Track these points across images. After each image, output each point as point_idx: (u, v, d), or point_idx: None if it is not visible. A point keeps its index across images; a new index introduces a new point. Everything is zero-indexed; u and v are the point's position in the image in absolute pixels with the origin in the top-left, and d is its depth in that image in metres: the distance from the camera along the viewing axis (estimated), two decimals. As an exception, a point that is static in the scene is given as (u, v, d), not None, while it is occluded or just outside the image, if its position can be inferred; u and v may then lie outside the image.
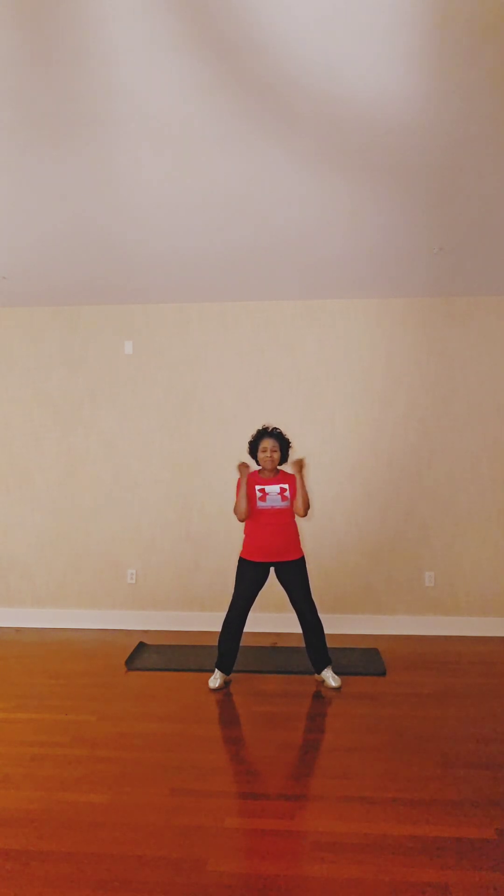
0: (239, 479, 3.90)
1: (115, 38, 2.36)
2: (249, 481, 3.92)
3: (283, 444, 3.98)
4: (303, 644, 4.02)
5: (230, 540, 4.95)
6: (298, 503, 3.88)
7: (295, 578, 3.88)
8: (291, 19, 2.25)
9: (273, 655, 4.47)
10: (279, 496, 3.87)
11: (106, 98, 2.69)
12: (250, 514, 3.89)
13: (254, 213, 3.70)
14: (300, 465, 3.92)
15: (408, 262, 4.43)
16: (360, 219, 3.76)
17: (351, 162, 3.14)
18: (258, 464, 4.00)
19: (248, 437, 4.10)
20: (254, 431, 4.08)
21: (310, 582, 3.95)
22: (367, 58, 2.42)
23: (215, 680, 3.91)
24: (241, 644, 3.98)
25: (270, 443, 3.92)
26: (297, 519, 4.00)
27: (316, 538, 5.07)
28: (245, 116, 2.78)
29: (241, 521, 3.90)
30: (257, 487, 3.90)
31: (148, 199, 3.54)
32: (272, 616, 4.84)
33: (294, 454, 4.12)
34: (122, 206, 3.63)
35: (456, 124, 2.82)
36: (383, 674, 4.10)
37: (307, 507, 3.87)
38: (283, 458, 4.00)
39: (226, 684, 3.96)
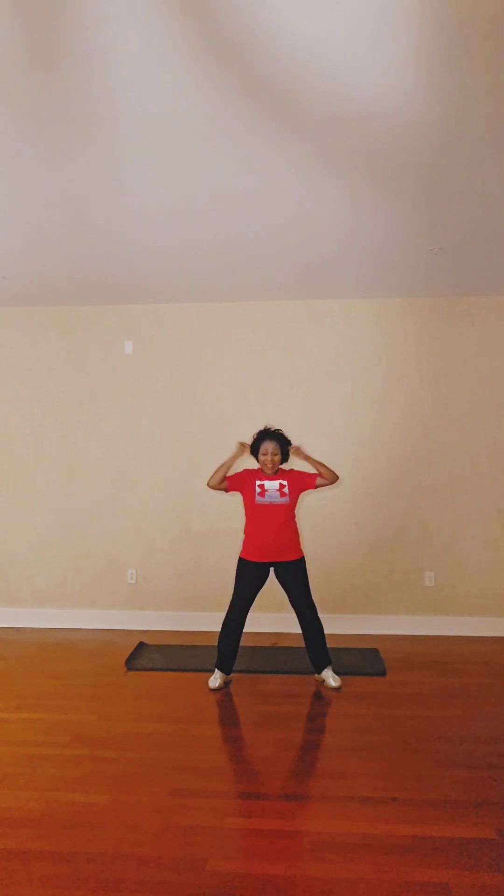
0: (231, 458, 3.97)
1: (114, 38, 2.35)
2: (250, 477, 3.94)
3: (284, 445, 3.99)
4: (303, 644, 4.02)
5: (230, 540, 4.94)
6: (325, 473, 3.92)
7: (294, 579, 3.88)
8: (291, 19, 2.24)
9: (273, 655, 4.47)
10: (278, 492, 3.88)
11: (106, 99, 2.68)
12: (248, 511, 3.91)
13: (254, 213, 3.70)
14: (300, 452, 4.01)
15: (407, 261, 4.43)
16: (360, 218, 3.76)
17: (350, 161, 3.14)
18: (259, 465, 4.00)
19: (248, 437, 4.10)
20: (254, 432, 4.08)
21: (310, 582, 3.95)
22: (367, 57, 2.41)
23: (215, 680, 3.91)
24: (241, 644, 3.98)
25: (272, 446, 3.92)
26: (298, 518, 4.01)
27: (316, 538, 5.07)
28: (245, 116, 2.78)
29: (210, 486, 3.97)
30: (257, 483, 3.91)
31: (148, 199, 3.54)
32: (272, 616, 4.83)
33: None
34: (122, 206, 3.63)
35: (455, 124, 2.82)
36: (383, 674, 4.10)
37: (333, 474, 3.94)
38: (284, 460, 4.01)
39: (226, 684, 3.96)
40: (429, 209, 3.64)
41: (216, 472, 3.95)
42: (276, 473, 3.96)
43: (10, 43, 2.38)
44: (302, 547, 3.99)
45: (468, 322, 5.17)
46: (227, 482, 3.97)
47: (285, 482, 3.91)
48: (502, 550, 5.08)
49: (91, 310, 5.42)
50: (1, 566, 5.40)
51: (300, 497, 4.08)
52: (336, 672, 3.99)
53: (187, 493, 5.26)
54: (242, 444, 4.02)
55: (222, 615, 3.99)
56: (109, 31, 2.32)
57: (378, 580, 5.13)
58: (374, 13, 2.21)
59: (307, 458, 4.00)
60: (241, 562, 3.93)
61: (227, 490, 3.99)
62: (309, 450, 4.12)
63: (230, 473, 3.98)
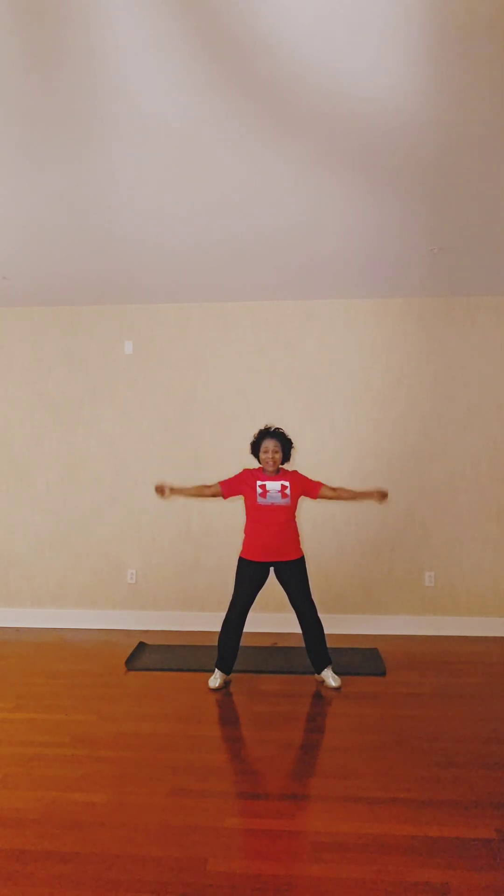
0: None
1: (115, 38, 2.35)
2: (250, 478, 3.93)
3: (285, 444, 3.98)
4: (303, 644, 4.02)
5: (230, 539, 4.94)
6: (346, 497, 4.06)
7: (294, 578, 3.88)
8: (291, 19, 2.25)
9: (273, 655, 4.47)
10: (279, 493, 3.87)
11: (106, 99, 2.68)
12: (249, 511, 3.91)
13: (253, 213, 3.70)
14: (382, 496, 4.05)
15: (407, 261, 4.43)
16: (359, 218, 3.76)
17: (349, 161, 3.14)
18: (259, 463, 4.00)
19: (248, 437, 4.10)
20: (254, 431, 4.07)
21: (310, 582, 3.95)
22: (366, 57, 2.41)
23: (215, 680, 3.91)
24: (241, 644, 3.98)
25: (273, 444, 3.92)
26: (298, 517, 4.01)
27: (316, 538, 5.06)
28: (244, 116, 2.78)
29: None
30: (258, 483, 3.90)
31: (148, 199, 3.54)
32: (272, 616, 4.83)
33: (295, 454, 4.11)
34: (123, 206, 3.63)
35: (455, 124, 2.82)
36: (383, 674, 4.10)
37: (352, 499, 4.15)
38: (286, 458, 4.00)
39: (226, 684, 3.95)
40: (429, 209, 3.64)
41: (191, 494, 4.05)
42: (278, 473, 3.96)
43: (11, 43, 2.38)
44: (302, 547, 3.99)
45: (468, 322, 5.17)
46: (223, 489, 3.94)
47: (287, 483, 3.90)
48: (502, 550, 5.08)
49: (91, 310, 5.42)
50: (1, 566, 5.40)
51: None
52: (336, 672, 3.99)
53: (187, 493, 5.26)
54: (158, 489, 3.98)
55: (222, 615, 3.99)
56: (110, 31, 2.32)
57: (378, 580, 5.13)
58: (374, 13, 2.21)
59: (369, 496, 4.05)
60: (241, 561, 3.93)
61: (224, 497, 3.97)
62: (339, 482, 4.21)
63: (214, 484, 4.00)
